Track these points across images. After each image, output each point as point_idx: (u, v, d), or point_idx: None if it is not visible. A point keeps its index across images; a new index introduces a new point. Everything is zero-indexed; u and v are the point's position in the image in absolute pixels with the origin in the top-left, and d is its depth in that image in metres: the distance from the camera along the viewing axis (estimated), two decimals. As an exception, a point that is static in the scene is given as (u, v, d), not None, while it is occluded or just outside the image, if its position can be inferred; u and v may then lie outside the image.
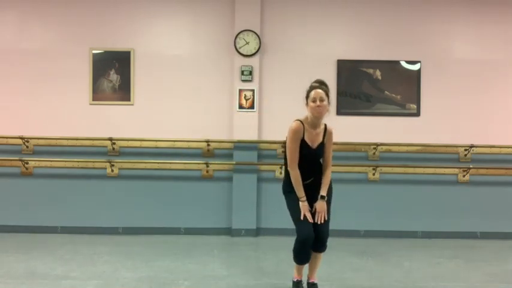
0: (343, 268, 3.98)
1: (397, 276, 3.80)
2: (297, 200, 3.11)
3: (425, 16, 5.43)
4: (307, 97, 3.13)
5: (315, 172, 3.18)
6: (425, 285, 3.57)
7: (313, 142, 3.15)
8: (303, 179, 3.12)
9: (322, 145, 3.18)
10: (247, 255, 4.40)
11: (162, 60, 5.35)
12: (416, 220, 5.34)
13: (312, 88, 3.13)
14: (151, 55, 5.34)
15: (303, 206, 3.08)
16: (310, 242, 3.09)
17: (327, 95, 3.10)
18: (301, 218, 3.06)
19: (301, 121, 3.13)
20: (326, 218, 3.12)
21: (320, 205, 3.10)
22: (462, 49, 5.46)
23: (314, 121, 3.13)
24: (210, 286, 3.46)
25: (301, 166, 3.12)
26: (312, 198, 3.17)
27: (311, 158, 3.16)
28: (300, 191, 3.09)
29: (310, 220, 3.06)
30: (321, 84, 3.15)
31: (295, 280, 3.29)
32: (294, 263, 3.28)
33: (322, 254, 3.28)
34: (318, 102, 3.04)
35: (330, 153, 3.22)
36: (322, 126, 3.20)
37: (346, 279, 3.66)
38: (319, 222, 3.08)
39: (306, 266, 3.30)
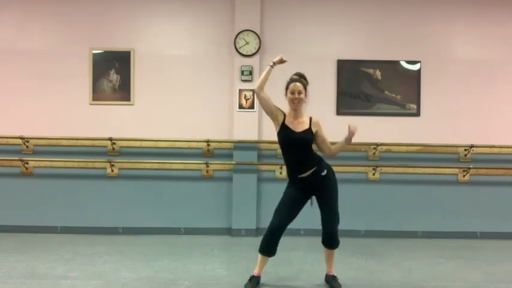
0: (343, 268, 3.97)
1: (397, 276, 3.80)
2: (288, 194, 3.32)
3: (425, 16, 5.43)
4: (286, 88, 3.32)
5: (308, 161, 3.26)
6: (425, 285, 3.57)
7: (296, 127, 3.29)
8: (297, 171, 3.25)
9: (309, 132, 3.28)
10: (247, 255, 4.39)
11: (162, 60, 5.35)
12: (416, 220, 5.34)
13: (291, 80, 3.32)
14: (151, 55, 5.35)
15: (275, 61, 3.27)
16: (278, 231, 3.30)
17: (305, 88, 3.30)
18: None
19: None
20: (332, 210, 3.31)
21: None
22: (462, 49, 5.46)
23: (293, 112, 3.31)
24: (210, 286, 3.46)
25: (291, 156, 3.28)
26: (311, 193, 3.33)
27: (298, 143, 3.25)
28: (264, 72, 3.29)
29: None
30: (300, 77, 3.34)
31: (252, 275, 3.40)
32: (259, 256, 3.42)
33: (335, 250, 3.44)
34: (296, 95, 3.25)
35: (326, 138, 3.39)
36: (306, 118, 3.33)
37: (346, 279, 3.65)
38: (354, 131, 3.19)
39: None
